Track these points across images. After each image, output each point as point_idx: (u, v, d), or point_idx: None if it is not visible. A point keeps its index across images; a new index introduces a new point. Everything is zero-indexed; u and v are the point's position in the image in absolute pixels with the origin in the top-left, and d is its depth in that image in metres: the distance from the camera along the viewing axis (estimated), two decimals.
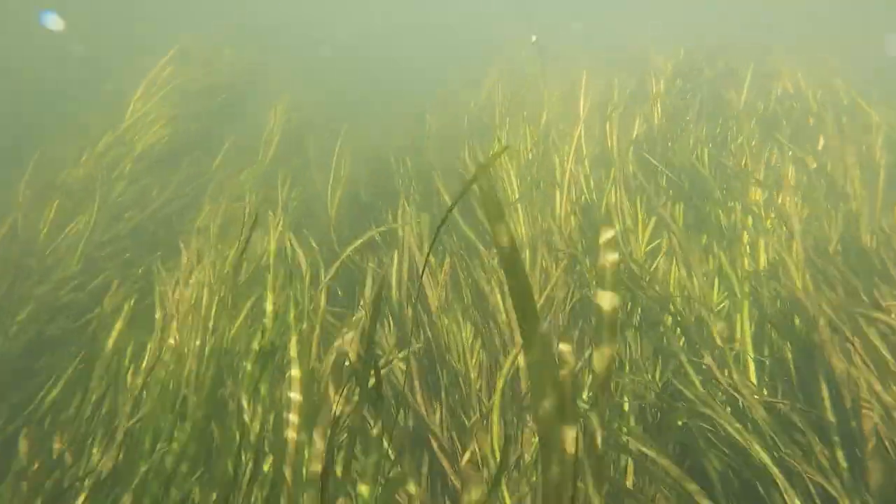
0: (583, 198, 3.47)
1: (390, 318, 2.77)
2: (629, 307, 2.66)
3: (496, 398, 2.13)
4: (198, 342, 2.02)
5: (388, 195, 3.94)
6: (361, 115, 6.76)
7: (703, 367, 2.23)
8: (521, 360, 2.36)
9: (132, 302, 2.76)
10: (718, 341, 2.43)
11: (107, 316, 2.59)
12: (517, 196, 3.50)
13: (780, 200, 3.06)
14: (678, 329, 2.55)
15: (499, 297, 2.58)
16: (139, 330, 2.86)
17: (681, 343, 2.53)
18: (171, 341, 2.02)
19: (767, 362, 2.29)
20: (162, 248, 3.43)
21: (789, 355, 2.27)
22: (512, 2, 16.90)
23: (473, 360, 2.42)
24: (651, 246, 3.05)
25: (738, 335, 2.29)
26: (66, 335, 2.74)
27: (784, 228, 2.78)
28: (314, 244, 3.36)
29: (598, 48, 8.67)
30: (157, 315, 2.66)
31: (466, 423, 2.21)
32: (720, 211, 3.06)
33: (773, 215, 2.93)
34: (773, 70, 6.06)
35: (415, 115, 6.13)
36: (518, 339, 2.52)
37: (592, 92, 5.38)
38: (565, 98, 5.91)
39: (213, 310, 2.39)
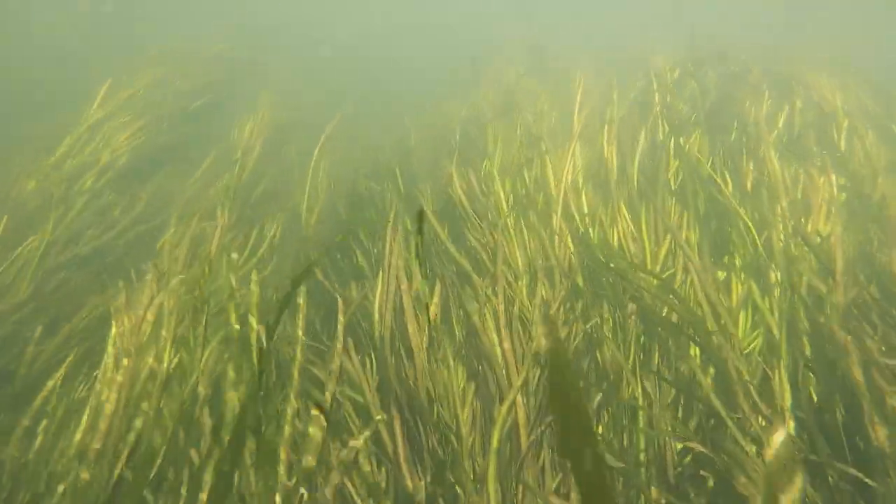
0: (576, 224, 3.15)
1: (372, 356, 2.46)
2: (645, 344, 2.35)
3: (491, 461, 1.81)
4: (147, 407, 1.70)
5: (377, 210, 3.63)
6: (362, 115, 6.53)
7: (736, 418, 1.92)
8: (519, 413, 2.05)
9: (82, 335, 2.46)
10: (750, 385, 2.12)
11: (51, 356, 2.28)
12: (507, 211, 3.19)
13: (809, 226, 2.75)
14: (701, 371, 2.24)
15: (494, 334, 2.27)
16: (92, 370, 2.55)
17: (708, 380, 2.22)
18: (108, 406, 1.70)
19: (807, 415, 1.98)
20: (126, 273, 3.10)
21: (833, 407, 1.95)
22: (512, 2, 16.65)
23: (465, 412, 2.10)
24: (666, 274, 2.73)
25: (777, 384, 1.98)
26: (4, 377, 2.42)
27: (813, 257, 2.47)
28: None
29: (598, 48, 8.42)
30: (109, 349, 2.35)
31: (458, 489, 1.90)
32: (745, 234, 2.74)
33: (801, 241, 2.61)
34: (781, 71, 5.75)
35: (413, 116, 5.85)
36: (515, 383, 2.20)
37: (592, 93, 5.08)
38: (564, 99, 5.61)
39: (169, 355, 2.08)
